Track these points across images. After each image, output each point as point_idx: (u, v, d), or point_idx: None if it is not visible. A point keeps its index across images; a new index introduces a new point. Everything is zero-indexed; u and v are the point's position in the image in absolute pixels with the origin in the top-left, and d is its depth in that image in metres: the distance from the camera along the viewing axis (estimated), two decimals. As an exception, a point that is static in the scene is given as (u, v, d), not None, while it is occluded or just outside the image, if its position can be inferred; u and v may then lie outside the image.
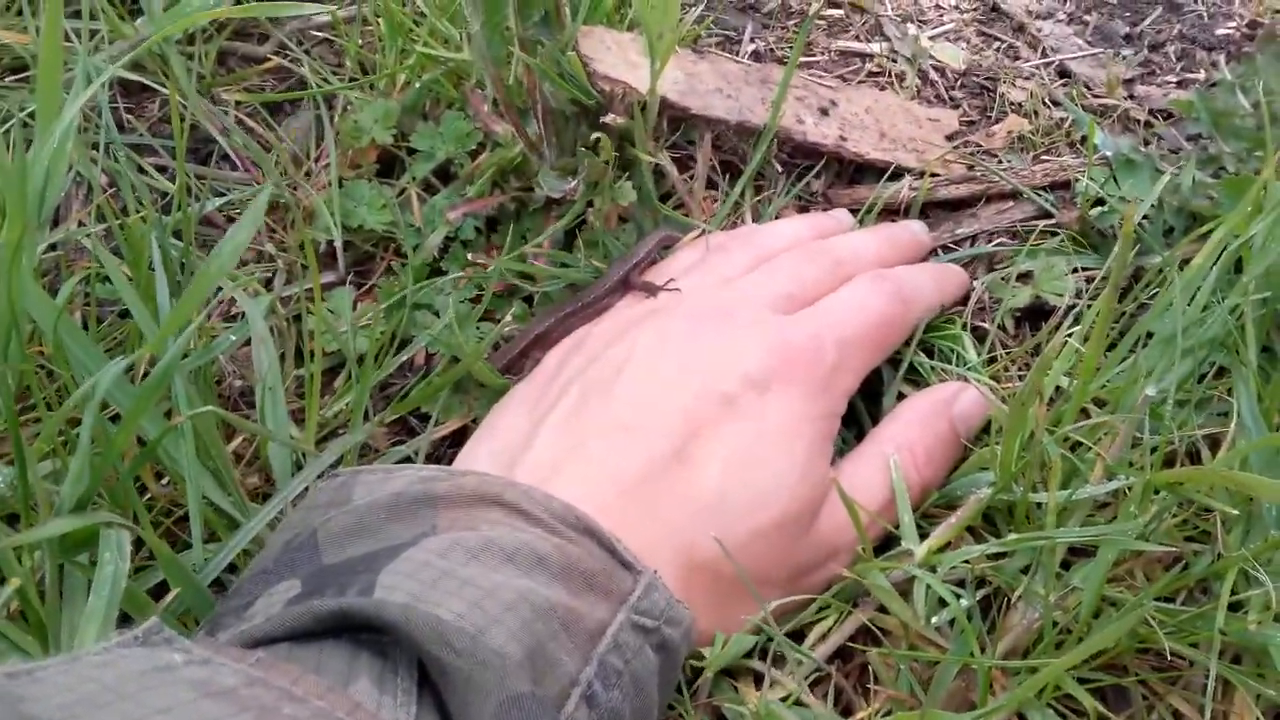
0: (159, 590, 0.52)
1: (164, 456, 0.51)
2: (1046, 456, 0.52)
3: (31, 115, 0.71)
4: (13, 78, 0.78)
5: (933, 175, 0.74)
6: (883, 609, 0.53)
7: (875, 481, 0.55)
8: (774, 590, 0.51)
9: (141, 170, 0.73)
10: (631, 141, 0.66)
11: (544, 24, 0.66)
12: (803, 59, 0.82)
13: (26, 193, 0.42)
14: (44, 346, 0.56)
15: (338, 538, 0.44)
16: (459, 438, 0.65)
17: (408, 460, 0.61)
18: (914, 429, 0.57)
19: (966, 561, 0.51)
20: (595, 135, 0.61)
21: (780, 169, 0.72)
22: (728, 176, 0.72)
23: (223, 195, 0.73)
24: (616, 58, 0.67)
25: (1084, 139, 0.78)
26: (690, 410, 0.52)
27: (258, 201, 0.44)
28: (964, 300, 0.68)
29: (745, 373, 0.54)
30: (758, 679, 0.51)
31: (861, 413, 0.62)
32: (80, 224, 0.67)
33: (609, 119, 0.63)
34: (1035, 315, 0.68)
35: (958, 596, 0.49)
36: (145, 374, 0.57)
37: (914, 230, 0.69)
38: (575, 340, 0.61)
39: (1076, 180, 0.73)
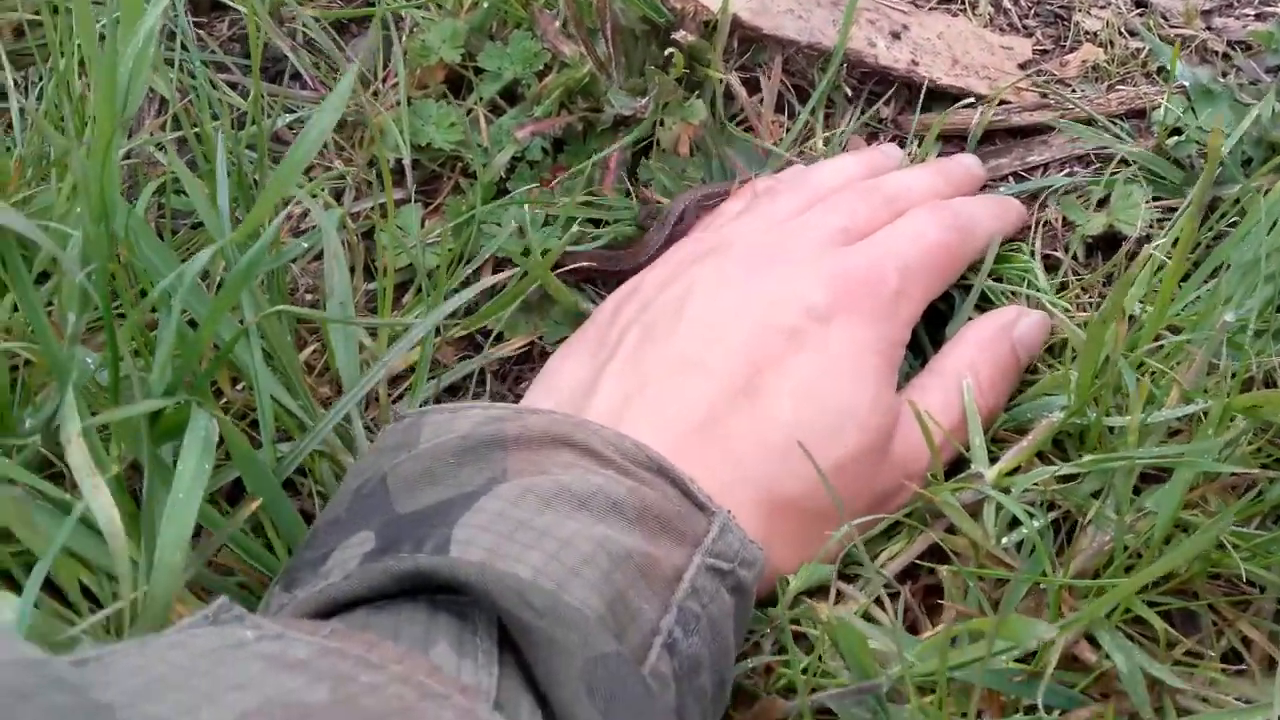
0: (233, 493, 0.53)
1: (237, 360, 0.52)
2: (1121, 380, 0.52)
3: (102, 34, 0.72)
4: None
5: (1003, 103, 0.72)
6: (951, 530, 0.53)
7: (941, 408, 0.55)
8: (859, 513, 0.51)
9: (213, 86, 0.73)
10: (701, 61, 0.66)
11: (615, -60, 0.65)
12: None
13: (115, 91, 0.42)
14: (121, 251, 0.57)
15: (408, 484, 0.43)
16: (525, 357, 0.66)
17: (475, 398, 0.62)
18: (977, 354, 0.57)
19: (1038, 484, 0.51)
20: (668, 52, 0.61)
21: (850, 94, 0.71)
22: (796, 100, 0.71)
23: (293, 113, 0.73)
24: (689, -25, 0.66)
25: (1160, 69, 0.76)
26: (754, 344, 0.52)
27: (335, 95, 0.44)
28: (1031, 228, 0.67)
29: (807, 304, 0.53)
30: (827, 595, 0.51)
31: (924, 340, 0.62)
32: (152, 135, 0.68)
33: (680, 36, 0.63)
34: (1108, 244, 0.67)
35: (1030, 516, 0.49)
36: (220, 284, 0.58)
37: (967, 164, 0.68)
38: (630, 286, 0.60)
39: (1154, 109, 0.71)
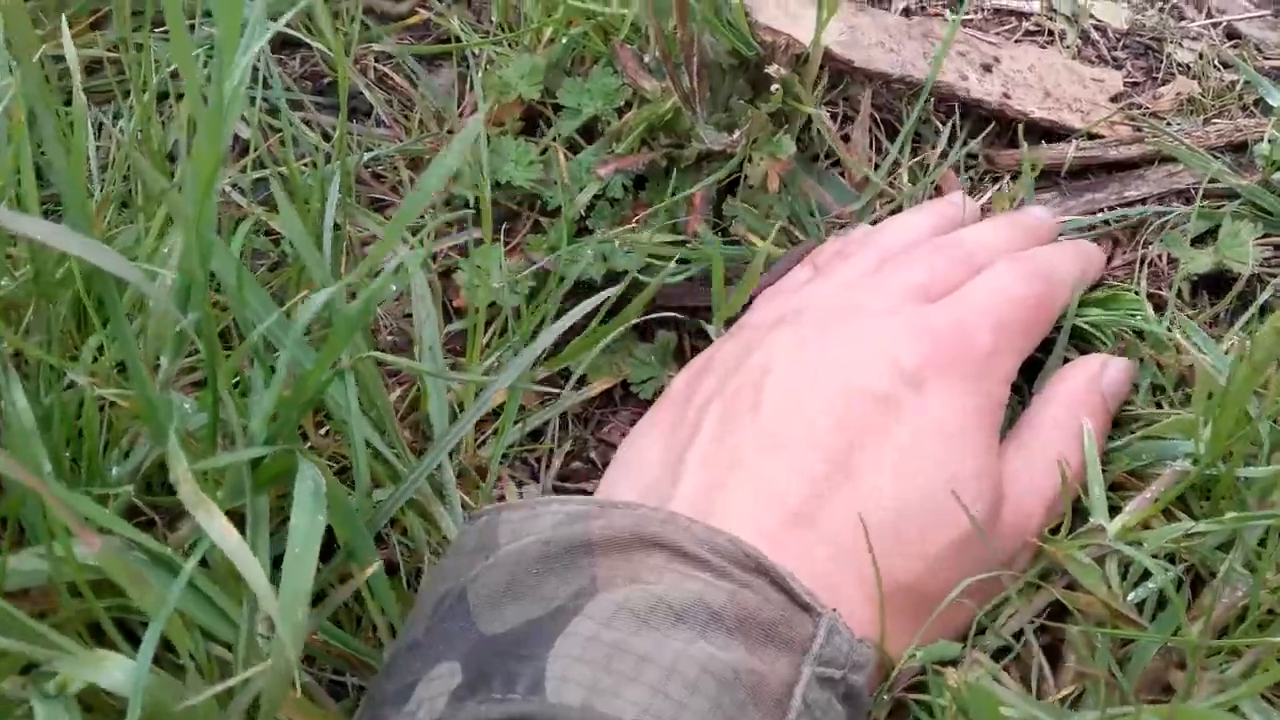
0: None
1: (329, 403, 0.50)
2: (1259, 433, 0.49)
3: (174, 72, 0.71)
4: (158, 31, 0.78)
5: (1095, 137, 0.70)
6: (1071, 586, 0.50)
7: (1045, 469, 0.52)
8: (974, 595, 0.48)
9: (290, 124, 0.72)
10: (789, 95, 0.64)
11: (702, -26, 0.64)
12: (955, 17, 0.79)
13: (219, 129, 0.41)
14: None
15: (490, 599, 0.41)
16: (607, 399, 0.64)
17: (557, 443, 0.60)
18: (1069, 412, 0.54)
19: (1171, 540, 0.49)
20: (773, 87, 0.59)
21: (940, 127, 0.69)
22: (884, 135, 0.69)
23: (369, 150, 0.72)
24: (777, 9, 0.64)
25: (1258, 102, 0.74)
26: (845, 416, 0.48)
27: (460, 139, 0.43)
28: (1136, 265, 0.65)
29: (898, 368, 0.49)
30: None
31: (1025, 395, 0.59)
32: (236, 174, 0.67)
33: (772, 70, 0.61)
34: (1213, 283, 0.64)
35: (1165, 570, 0.47)
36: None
37: (1038, 214, 0.65)
38: (702, 361, 0.57)
39: (1255, 143, 0.69)
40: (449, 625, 0.40)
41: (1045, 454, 0.52)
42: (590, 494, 0.60)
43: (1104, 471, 0.53)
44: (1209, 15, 0.81)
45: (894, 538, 0.46)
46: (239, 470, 0.39)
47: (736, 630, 0.39)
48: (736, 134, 0.62)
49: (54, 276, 0.51)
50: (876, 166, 0.68)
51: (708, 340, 0.62)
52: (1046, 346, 0.59)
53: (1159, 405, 0.58)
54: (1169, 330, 0.60)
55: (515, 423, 0.60)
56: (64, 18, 0.53)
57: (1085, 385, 0.56)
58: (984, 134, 0.70)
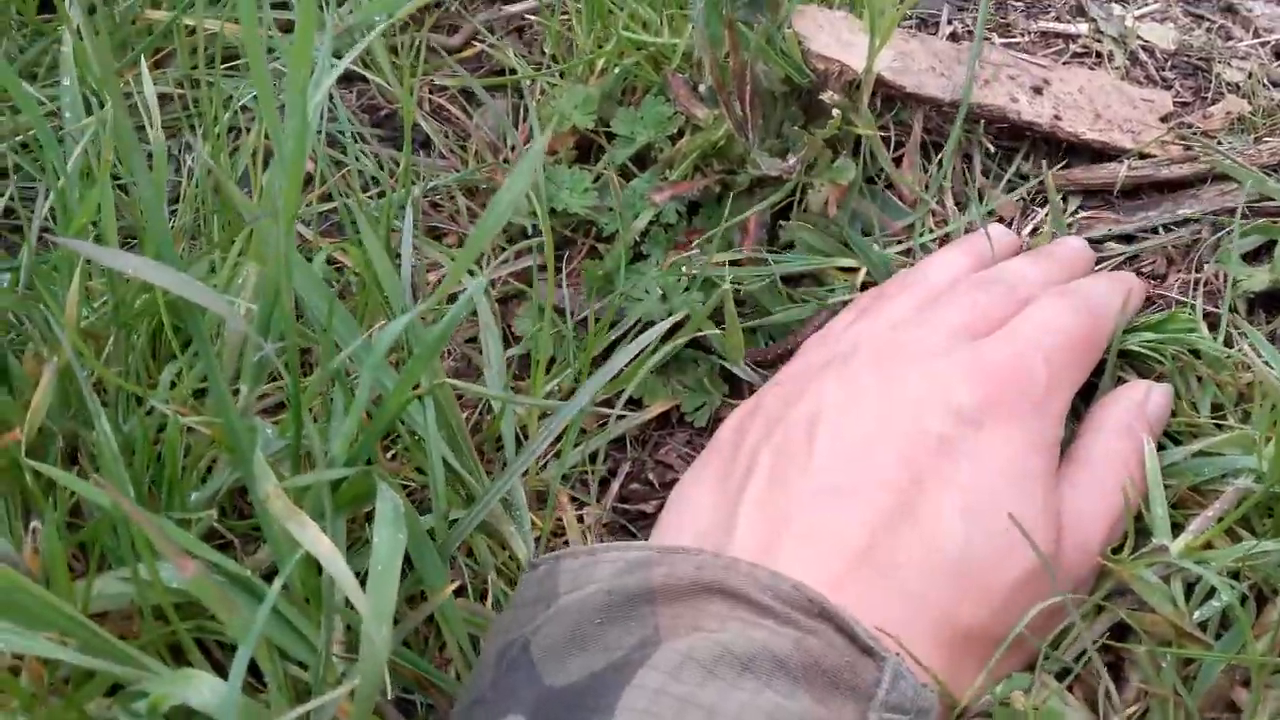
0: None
1: (398, 427, 0.52)
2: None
3: (242, 106, 0.74)
4: (226, 67, 0.80)
5: (1145, 156, 0.70)
6: (1135, 606, 0.50)
7: (1100, 502, 0.52)
8: (1037, 630, 0.47)
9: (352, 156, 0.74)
10: (844, 121, 0.65)
11: (755, 4, 0.65)
12: (1004, 40, 0.79)
13: (301, 158, 0.42)
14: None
15: (554, 651, 0.41)
16: (664, 421, 0.65)
17: (614, 462, 0.60)
18: (1120, 442, 0.54)
19: (1235, 560, 0.49)
20: (835, 112, 0.60)
21: (991, 149, 0.70)
22: (937, 157, 0.70)
23: (427, 181, 0.73)
24: (829, 36, 0.65)
25: (1310, 119, 0.74)
26: (904, 459, 0.47)
27: (522, 168, 0.44)
28: (1190, 285, 0.65)
29: (954, 407, 0.49)
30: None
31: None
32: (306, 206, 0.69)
33: (826, 96, 0.62)
34: (1270, 300, 0.64)
35: (1231, 588, 0.47)
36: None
37: (1075, 246, 0.64)
38: (750, 405, 0.56)
39: (1309, 161, 0.69)
40: (513, 678, 0.40)
41: (1100, 486, 0.52)
42: (650, 516, 0.61)
43: (1165, 488, 0.53)
44: (1256, 35, 0.81)
45: (959, 579, 0.45)
46: (319, 492, 0.41)
47: (802, 678, 0.39)
48: (793, 159, 0.62)
49: (133, 307, 0.53)
50: (927, 188, 0.68)
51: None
52: (1098, 371, 0.59)
53: (1219, 425, 0.58)
54: (1227, 347, 0.60)
55: (575, 445, 0.61)
56: (142, 57, 0.54)
57: (1132, 413, 0.55)
58: (1030, 153, 0.70)
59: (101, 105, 0.66)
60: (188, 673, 0.39)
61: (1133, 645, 0.48)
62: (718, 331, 0.60)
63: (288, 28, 0.79)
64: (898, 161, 0.69)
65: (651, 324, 0.64)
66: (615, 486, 0.62)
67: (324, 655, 0.42)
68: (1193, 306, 0.63)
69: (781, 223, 0.68)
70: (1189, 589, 0.50)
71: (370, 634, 0.35)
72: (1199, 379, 0.59)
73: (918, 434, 0.48)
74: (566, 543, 0.58)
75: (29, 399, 0.48)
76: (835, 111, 0.59)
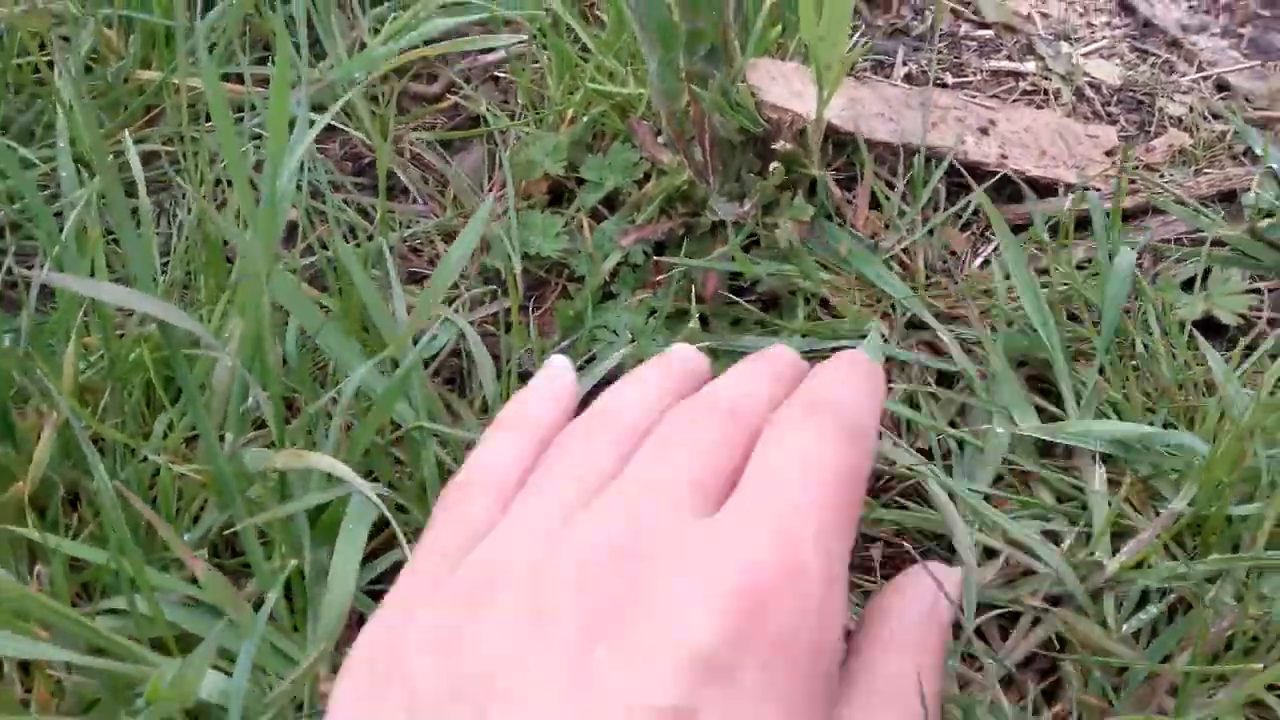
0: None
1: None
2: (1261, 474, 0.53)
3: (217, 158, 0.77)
4: (210, 124, 0.84)
5: (1092, 189, 0.74)
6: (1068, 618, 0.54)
7: None
8: None
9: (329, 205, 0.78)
10: (798, 165, 0.68)
11: (711, 58, 0.69)
12: (957, 80, 0.83)
13: (274, 227, 0.46)
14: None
15: None
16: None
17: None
18: (914, 659, 0.40)
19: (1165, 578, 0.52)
20: (773, 166, 0.64)
21: (942, 188, 0.73)
22: (890, 195, 0.73)
23: (408, 228, 0.77)
24: (782, 87, 0.69)
25: (1247, 151, 0.78)
26: None
27: (475, 221, 0.48)
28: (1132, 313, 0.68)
29: (692, 655, 0.32)
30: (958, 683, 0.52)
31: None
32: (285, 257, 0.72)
33: (779, 145, 0.66)
34: (1207, 328, 0.68)
35: (1157, 600, 0.50)
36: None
37: (786, 357, 0.48)
38: (386, 640, 0.36)
39: (1244, 192, 0.73)
40: None
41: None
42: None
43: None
44: (1199, 69, 0.85)
45: None
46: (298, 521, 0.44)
47: None
48: (747, 205, 0.66)
49: (127, 361, 0.57)
50: (888, 226, 0.72)
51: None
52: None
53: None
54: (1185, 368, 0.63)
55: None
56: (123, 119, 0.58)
57: (921, 620, 0.42)
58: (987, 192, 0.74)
59: (93, 167, 0.70)
60: (197, 662, 0.42)
61: (1066, 656, 0.52)
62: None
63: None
64: (852, 201, 0.72)
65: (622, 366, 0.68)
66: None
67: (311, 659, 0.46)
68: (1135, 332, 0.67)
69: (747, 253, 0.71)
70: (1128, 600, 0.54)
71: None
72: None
73: (641, 713, 0.31)
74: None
75: (31, 452, 0.51)
76: (774, 165, 0.62)
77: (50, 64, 0.81)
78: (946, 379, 0.65)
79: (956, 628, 0.54)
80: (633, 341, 0.68)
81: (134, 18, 0.80)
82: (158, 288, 0.61)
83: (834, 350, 0.67)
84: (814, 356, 0.66)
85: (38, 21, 0.76)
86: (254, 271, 0.46)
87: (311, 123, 0.53)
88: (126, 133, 0.58)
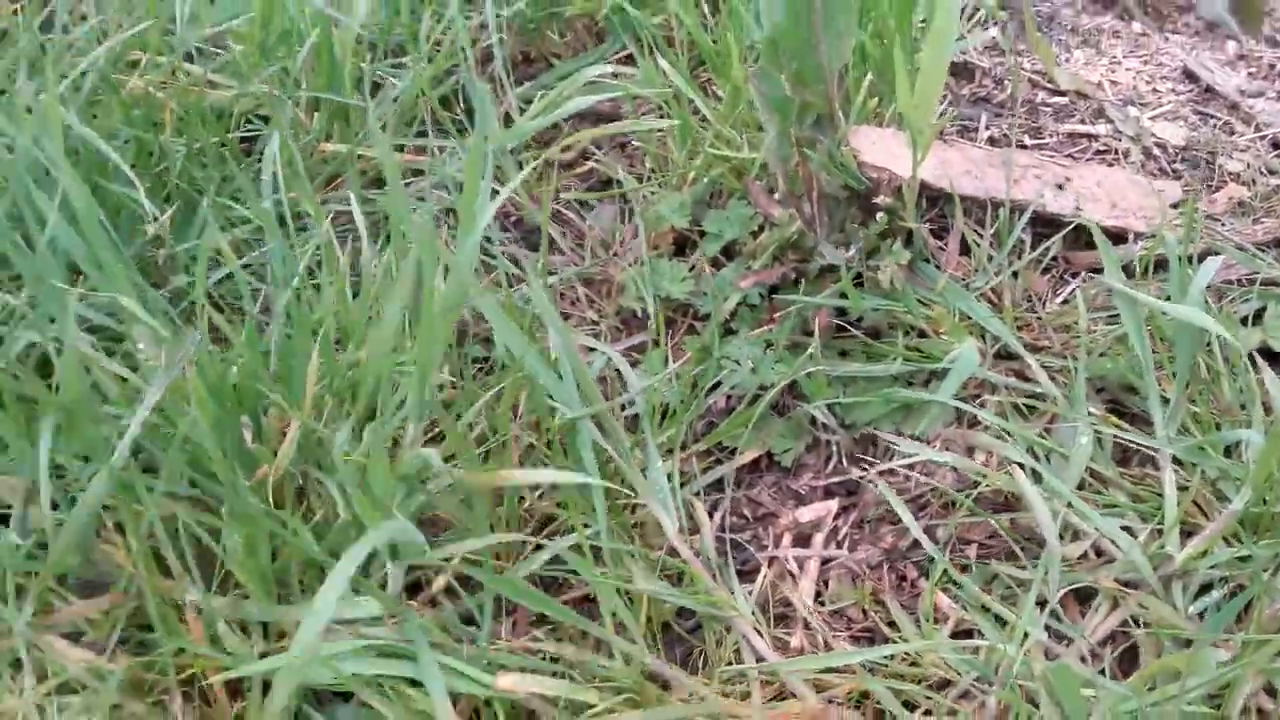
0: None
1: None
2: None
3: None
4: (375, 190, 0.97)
5: (1162, 236, 0.83)
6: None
7: None
8: None
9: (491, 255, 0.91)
10: (896, 216, 0.79)
11: (818, 126, 0.80)
12: (1035, 141, 0.93)
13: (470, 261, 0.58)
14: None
15: None
16: (754, 465, 0.79)
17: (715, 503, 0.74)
18: None
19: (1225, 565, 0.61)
20: (874, 214, 0.75)
21: (1024, 237, 0.83)
22: (979, 243, 0.83)
23: (552, 273, 0.89)
24: (880, 150, 0.80)
25: (1302, 201, 0.87)
26: None
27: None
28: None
29: None
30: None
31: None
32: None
33: (880, 200, 0.77)
34: (1263, 357, 0.76)
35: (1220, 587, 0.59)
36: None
37: None
38: None
39: (1298, 238, 0.81)
40: None
41: None
42: (744, 545, 0.74)
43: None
44: (1257, 129, 0.94)
45: None
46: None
47: None
48: (853, 250, 0.77)
49: (345, 379, 0.69)
50: (976, 271, 0.82)
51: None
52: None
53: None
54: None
55: (682, 485, 0.74)
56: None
57: None
58: (1060, 239, 0.84)
59: (282, 221, 0.83)
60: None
61: (1138, 631, 0.61)
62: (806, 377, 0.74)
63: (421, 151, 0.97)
64: (944, 248, 0.83)
65: (744, 392, 0.78)
66: (718, 519, 0.75)
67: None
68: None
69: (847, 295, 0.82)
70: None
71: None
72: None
73: None
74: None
75: (274, 447, 0.64)
76: (879, 215, 0.73)
77: (246, 138, 0.95)
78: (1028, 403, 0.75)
79: (1042, 603, 0.63)
80: (754, 371, 0.79)
81: (320, 98, 0.94)
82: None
83: (931, 375, 0.77)
84: (912, 382, 0.77)
85: (247, 102, 0.90)
86: (454, 301, 0.58)
87: (495, 193, 0.65)
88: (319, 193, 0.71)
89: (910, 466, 0.76)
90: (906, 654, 0.65)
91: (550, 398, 0.69)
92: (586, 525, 0.66)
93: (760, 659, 0.65)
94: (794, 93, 0.77)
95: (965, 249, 0.83)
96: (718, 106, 0.93)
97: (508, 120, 0.99)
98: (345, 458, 0.59)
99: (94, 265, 0.69)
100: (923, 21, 0.90)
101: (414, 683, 0.59)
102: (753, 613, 0.68)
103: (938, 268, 0.82)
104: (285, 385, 0.67)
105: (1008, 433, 0.71)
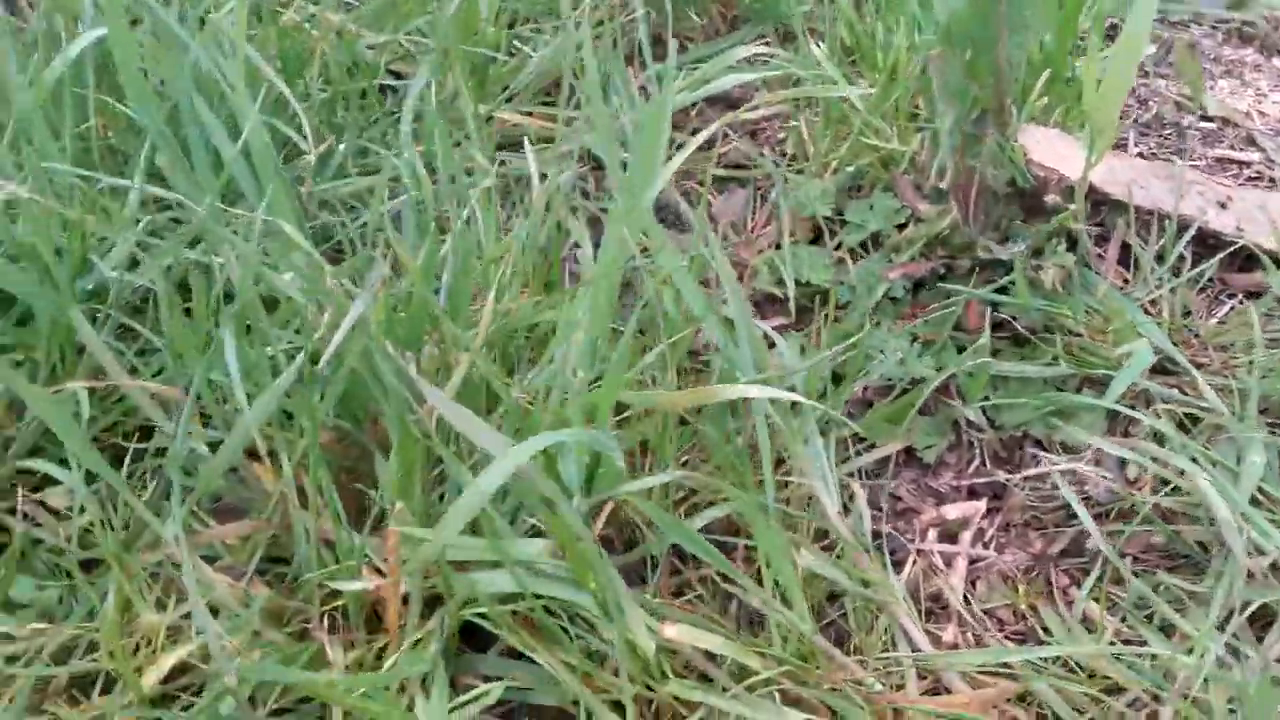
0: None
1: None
2: None
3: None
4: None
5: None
6: None
7: None
8: None
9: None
10: (1062, 219, 0.77)
11: (980, 122, 0.78)
12: (1184, 163, 0.91)
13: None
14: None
15: None
16: (893, 460, 0.76)
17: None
18: None
19: None
20: (1035, 213, 0.73)
21: (1183, 254, 0.81)
22: (1137, 253, 0.81)
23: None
24: (1047, 149, 0.78)
25: None
26: None
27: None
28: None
29: None
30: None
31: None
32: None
33: (1050, 199, 0.75)
34: None
35: None
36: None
37: None
38: None
39: None
40: None
41: None
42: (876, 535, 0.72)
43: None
44: None
45: None
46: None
47: None
48: (1020, 246, 0.75)
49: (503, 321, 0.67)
50: (1127, 281, 0.80)
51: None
52: None
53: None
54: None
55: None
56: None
57: None
58: (1215, 259, 0.82)
59: (432, 170, 0.82)
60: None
61: None
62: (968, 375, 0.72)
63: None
64: (1103, 255, 0.81)
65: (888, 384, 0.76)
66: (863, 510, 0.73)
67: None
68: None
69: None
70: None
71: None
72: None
73: None
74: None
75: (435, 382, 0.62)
76: (1065, 209, 0.71)
77: (383, 89, 0.94)
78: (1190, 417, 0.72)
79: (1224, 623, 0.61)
80: (902, 362, 0.76)
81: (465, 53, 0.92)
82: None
83: (1083, 382, 0.75)
84: (1062, 388, 0.75)
85: (388, 53, 0.89)
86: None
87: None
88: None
89: (1060, 472, 0.74)
90: (1067, 658, 0.63)
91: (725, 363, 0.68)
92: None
93: (915, 649, 0.63)
94: (964, 84, 0.75)
95: (1123, 258, 0.81)
96: (868, 95, 0.91)
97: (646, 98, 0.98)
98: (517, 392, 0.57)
99: (256, 190, 0.68)
100: (1089, 25, 0.89)
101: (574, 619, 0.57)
102: (904, 602, 0.65)
103: (1096, 274, 0.80)
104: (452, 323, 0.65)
105: (1169, 442, 0.69)
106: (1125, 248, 0.82)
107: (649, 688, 0.56)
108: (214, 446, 0.62)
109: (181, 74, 0.68)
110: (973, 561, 0.70)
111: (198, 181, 0.67)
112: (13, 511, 0.67)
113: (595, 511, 0.62)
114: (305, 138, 0.73)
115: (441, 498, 0.62)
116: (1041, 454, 0.75)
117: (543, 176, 0.82)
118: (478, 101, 0.93)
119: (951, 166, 0.77)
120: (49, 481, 0.67)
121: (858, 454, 0.75)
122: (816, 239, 0.90)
